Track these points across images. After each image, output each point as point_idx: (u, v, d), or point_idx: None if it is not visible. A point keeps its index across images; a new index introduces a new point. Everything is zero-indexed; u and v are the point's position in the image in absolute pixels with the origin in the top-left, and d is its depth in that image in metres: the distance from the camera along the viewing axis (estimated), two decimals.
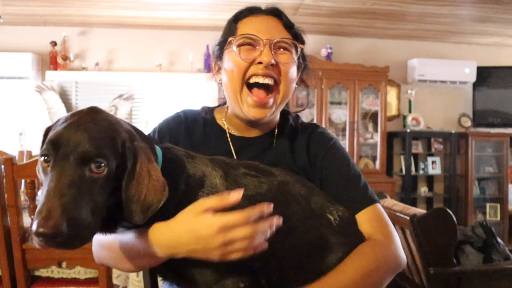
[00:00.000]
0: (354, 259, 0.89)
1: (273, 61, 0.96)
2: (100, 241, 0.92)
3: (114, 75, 4.43)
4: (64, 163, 0.69)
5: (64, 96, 4.40)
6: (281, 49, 1.00)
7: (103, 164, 0.70)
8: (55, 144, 0.70)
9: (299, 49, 1.01)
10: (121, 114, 4.29)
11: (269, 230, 0.75)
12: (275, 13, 1.03)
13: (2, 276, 2.04)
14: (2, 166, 1.88)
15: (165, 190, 0.76)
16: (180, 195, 0.83)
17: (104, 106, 4.27)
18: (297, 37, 1.03)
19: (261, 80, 0.97)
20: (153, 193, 0.74)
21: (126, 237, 0.84)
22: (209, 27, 4.27)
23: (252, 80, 0.98)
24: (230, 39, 1.01)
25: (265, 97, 0.97)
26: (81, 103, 4.42)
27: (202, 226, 0.74)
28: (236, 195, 0.75)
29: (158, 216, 0.80)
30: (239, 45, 0.99)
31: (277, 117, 1.09)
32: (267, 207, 0.75)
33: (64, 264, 2.11)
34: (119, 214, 0.76)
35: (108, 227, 0.81)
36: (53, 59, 4.31)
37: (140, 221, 0.73)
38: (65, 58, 4.33)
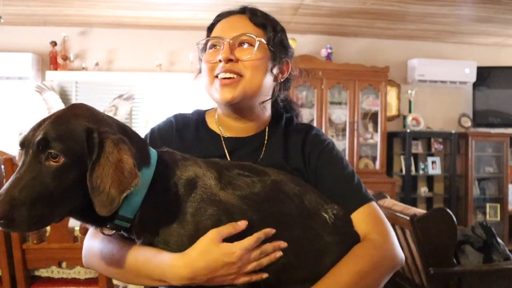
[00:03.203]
0: (349, 262, 0.89)
1: (231, 57, 0.98)
2: (102, 253, 0.92)
3: (114, 75, 4.43)
4: (26, 157, 0.74)
5: (64, 96, 4.41)
6: (246, 45, 1.01)
7: (57, 153, 0.73)
8: (21, 143, 0.76)
9: (258, 42, 1.00)
10: (121, 114, 4.30)
11: (273, 251, 0.85)
12: (241, 11, 1.06)
13: (2, 276, 2.04)
14: (2, 166, 1.88)
15: (132, 182, 0.74)
16: (172, 196, 0.84)
17: (104, 106, 4.29)
18: (265, 27, 1.03)
19: (222, 75, 0.99)
20: (117, 184, 0.73)
21: (135, 256, 0.86)
22: None
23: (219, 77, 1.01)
24: (197, 44, 1.06)
25: (230, 78, 0.99)
26: None
27: (224, 255, 0.81)
28: (244, 223, 0.84)
29: (148, 218, 0.82)
30: (208, 49, 1.04)
31: (266, 113, 1.09)
32: (271, 231, 0.85)
33: (64, 264, 2.11)
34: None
35: (97, 221, 0.82)
36: (53, 59, 4.31)
37: (105, 214, 0.73)
38: (65, 58, 4.33)
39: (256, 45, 1.00)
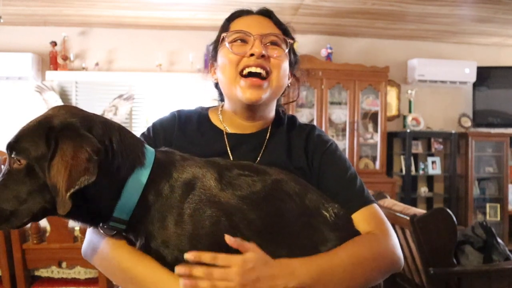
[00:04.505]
0: (348, 246, 0.89)
1: (264, 53, 0.99)
2: (107, 257, 0.91)
3: (114, 75, 4.43)
4: (7, 161, 0.78)
5: (64, 96, 4.41)
6: (272, 45, 1.03)
7: (18, 157, 0.75)
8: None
9: (288, 44, 1.05)
10: (121, 114, 4.29)
11: None
12: (265, 13, 1.08)
13: (2, 276, 2.04)
14: (2, 166, 1.88)
15: (79, 179, 0.73)
16: (169, 198, 0.83)
17: (104, 106, 4.29)
18: (287, 33, 1.07)
19: (253, 69, 0.99)
20: (66, 182, 0.73)
21: (147, 269, 0.84)
22: (209, 27, 4.26)
23: (245, 72, 1.00)
24: (222, 35, 1.05)
25: (258, 80, 1.00)
26: (81, 103, 4.42)
27: None
28: None
29: (145, 219, 0.82)
30: (231, 42, 1.03)
31: (272, 113, 1.10)
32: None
33: (64, 264, 2.11)
34: (98, 208, 0.80)
35: (91, 222, 0.85)
36: (53, 59, 4.31)
37: (62, 213, 0.74)
38: (65, 58, 4.33)
39: (287, 47, 1.04)
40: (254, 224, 0.85)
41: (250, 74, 0.99)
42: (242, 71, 1.00)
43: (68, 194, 0.72)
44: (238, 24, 1.04)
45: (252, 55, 0.98)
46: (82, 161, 0.73)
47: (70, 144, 0.74)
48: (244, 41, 1.02)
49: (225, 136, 1.06)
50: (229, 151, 1.04)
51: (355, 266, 0.87)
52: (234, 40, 1.02)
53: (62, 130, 0.76)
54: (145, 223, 0.82)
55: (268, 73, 1.00)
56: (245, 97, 0.99)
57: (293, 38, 1.08)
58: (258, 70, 0.99)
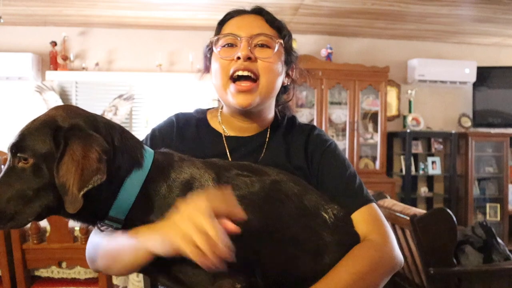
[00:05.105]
0: (348, 262, 0.88)
1: (250, 55, 0.97)
2: (94, 244, 0.92)
3: (114, 75, 4.43)
4: (8, 162, 0.78)
5: (64, 96, 4.41)
6: (262, 47, 1.00)
7: (24, 155, 0.75)
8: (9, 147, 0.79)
9: (278, 43, 1.02)
10: (121, 114, 4.29)
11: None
12: (257, 11, 1.05)
13: (2, 276, 2.04)
14: (2, 166, 1.88)
15: (92, 178, 0.74)
16: (166, 198, 0.83)
17: (104, 106, 4.29)
18: (280, 30, 1.05)
19: (240, 73, 0.98)
20: (77, 181, 0.73)
21: (115, 237, 0.85)
22: (209, 27, 4.25)
23: (235, 76, 0.99)
24: (211, 39, 1.04)
25: (247, 86, 0.98)
26: (81, 103, 4.42)
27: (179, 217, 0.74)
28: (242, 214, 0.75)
29: (141, 219, 0.82)
30: (222, 46, 1.02)
31: (271, 114, 1.09)
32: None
33: (64, 264, 2.11)
34: (95, 207, 0.80)
35: (88, 220, 0.85)
36: (53, 59, 4.31)
37: (72, 212, 0.74)
38: (65, 58, 4.33)
39: (277, 47, 1.01)
40: (252, 225, 0.84)
41: (240, 78, 0.98)
42: (232, 75, 0.99)
43: (81, 193, 0.73)
44: (229, 27, 1.03)
45: (239, 58, 0.97)
46: (93, 160, 0.74)
47: (80, 144, 0.75)
48: (233, 44, 1.00)
49: (224, 139, 1.06)
50: (228, 154, 1.03)
51: (356, 283, 0.86)
52: (223, 44, 1.01)
53: (70, 130, 0.76)
54: (140, 223, 0.82)
55: (257, 75, 0.98)
56: (236, 103, 0.99)
57: (285, 36, 1.05)
58: (246, 73, 0.97)
